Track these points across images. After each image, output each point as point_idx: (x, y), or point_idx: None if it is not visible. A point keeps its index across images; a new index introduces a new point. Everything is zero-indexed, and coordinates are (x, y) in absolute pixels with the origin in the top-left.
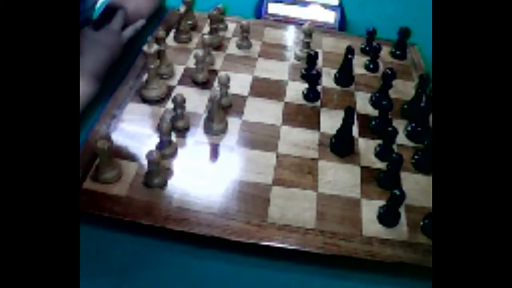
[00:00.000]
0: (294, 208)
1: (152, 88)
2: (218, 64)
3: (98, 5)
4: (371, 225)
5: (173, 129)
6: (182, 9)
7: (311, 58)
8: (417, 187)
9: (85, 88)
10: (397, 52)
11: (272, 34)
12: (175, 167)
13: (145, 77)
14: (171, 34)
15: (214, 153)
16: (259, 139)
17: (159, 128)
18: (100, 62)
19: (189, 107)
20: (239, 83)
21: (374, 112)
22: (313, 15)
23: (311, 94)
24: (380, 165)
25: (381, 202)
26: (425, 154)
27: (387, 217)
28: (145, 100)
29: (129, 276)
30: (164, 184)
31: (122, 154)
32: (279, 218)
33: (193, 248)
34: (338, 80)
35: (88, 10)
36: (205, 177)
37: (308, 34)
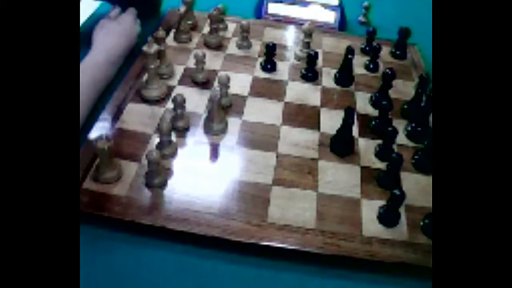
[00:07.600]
0: (294, 208)
1: (152, 88)
2: (218, 64)
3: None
4: (371, 225)
5: (173, 129)
6: (182, 9)
7: (311, 58)
8: (417, 187)
9: (103, 72)
10: (397, 52)
11: (272, 34)
12: (175, 167)
13: (145, 77)
14: (171, 34)
15: (214, 153)
16: (259, 139)
17: (159, 128)
18: (117, 49)
19: (189, 107)
20: (239, 83)
21: (374, 112)
22: (313, 15)
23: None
24: (380, 165)
25: (381, 202)
26: (425, 154)
27: (387, 217)
28: (145, 100)
29: (129, 276)
30: (164, 184)
31: (122, 154)
32: (279, 218)
33: (193, 248)
34: (338, 80)
35: None
36: (205, 177)
37: (308, 34)
